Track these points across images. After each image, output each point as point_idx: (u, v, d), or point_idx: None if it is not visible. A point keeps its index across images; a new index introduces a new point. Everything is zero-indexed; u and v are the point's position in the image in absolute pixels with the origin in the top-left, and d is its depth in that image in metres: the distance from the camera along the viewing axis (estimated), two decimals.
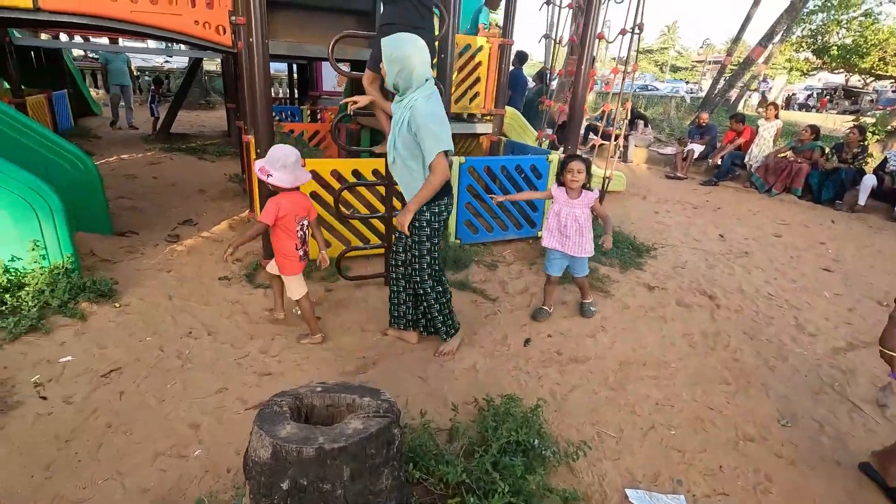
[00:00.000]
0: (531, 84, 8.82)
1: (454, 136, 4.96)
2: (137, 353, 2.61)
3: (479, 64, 4.78)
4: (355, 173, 3.69)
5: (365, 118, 4.86)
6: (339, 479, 1.26)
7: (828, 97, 24.15)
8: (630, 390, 2.57)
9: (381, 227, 3.66)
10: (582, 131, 6.84)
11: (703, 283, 4.02)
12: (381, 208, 3.79)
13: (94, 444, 1.99)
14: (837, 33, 18.79)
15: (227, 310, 3.11)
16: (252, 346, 2.75)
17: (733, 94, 15.84)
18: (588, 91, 4.37)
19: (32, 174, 2.96)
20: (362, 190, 3.78)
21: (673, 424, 2.34)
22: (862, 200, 6.47)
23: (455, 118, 4.85)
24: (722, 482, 2.03)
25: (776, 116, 7.74)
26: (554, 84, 7.80)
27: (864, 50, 16.91)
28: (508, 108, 5.84)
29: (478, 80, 4.83)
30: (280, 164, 2.49)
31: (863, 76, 20.99)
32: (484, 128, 5.30)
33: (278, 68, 14.33)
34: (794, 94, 26.58)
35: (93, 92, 13.06)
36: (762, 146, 7.65)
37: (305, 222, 2.68)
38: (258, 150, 3.37)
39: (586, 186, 3.03)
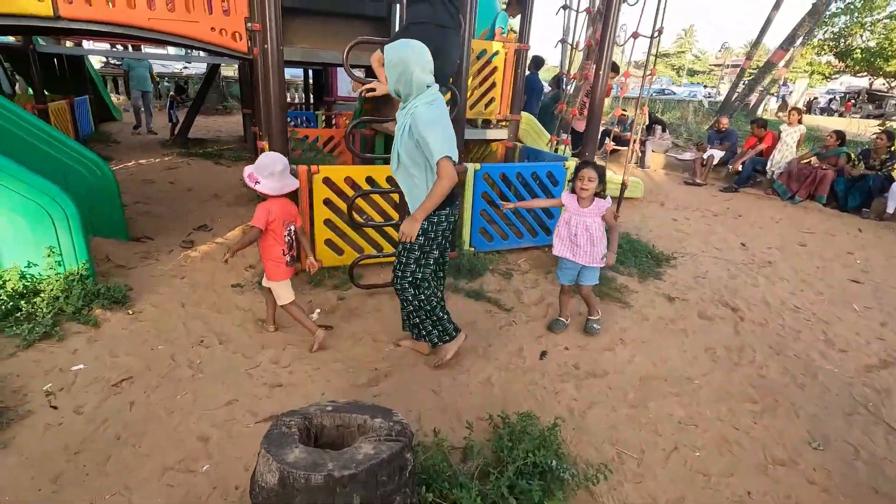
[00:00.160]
0: (547, 89, 8.73)
1: (468, 141, 4.92)
2: (149, 361, 2.59)
3: (495, 69, 4.72)
4: (369, 180, 3.66)
5: (379, 124, 4.82)
6: None
7: (852, 101, 23.58)
8: (651, 408, 2.47)
9: (394, 234, 3.61)
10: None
11: (725, 294, 3.89)
12: (395, 216, 3.75)
13: (102, 457, 1.96)
14: (861, 36, 18.38)
15: (238, 318, 3.09)
16: (263, 355, 2.71)
17: (752, 98, 15.55)
18: (606, 96, 4.27)
19: (49, 181, 2.98)
20: (376, 197, 3.74)
21: (697, 446, 2.23)
22: (890, 208, 6.25)
23: (469, 124, 4.80)
24: None
25: (799, 122, 7.54)
26: (570, 89, 7.71)
27: (890, 53, 16.50)
28: (524, 114, 5.76)
29: (493, 85, 4.77)
30: (268, 172, 2.55)
31: (887, 79, 20.48)
32: (499, 134, 5.24)
33: (294, 73, 14.47)
34: (815, 98, 26.05)
35: (114, 97, 13.32)
36: (785, 152, 7.46)
37: (292, 228, 2.73)
38: None
39: (600, 194, 2.92)
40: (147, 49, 11.11)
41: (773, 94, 20.62)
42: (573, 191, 2.92)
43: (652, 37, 4.11)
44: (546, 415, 2.34)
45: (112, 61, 15.17)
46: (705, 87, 35.70)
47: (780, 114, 19.61)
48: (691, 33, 55.20)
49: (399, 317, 2.83)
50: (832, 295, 4.02)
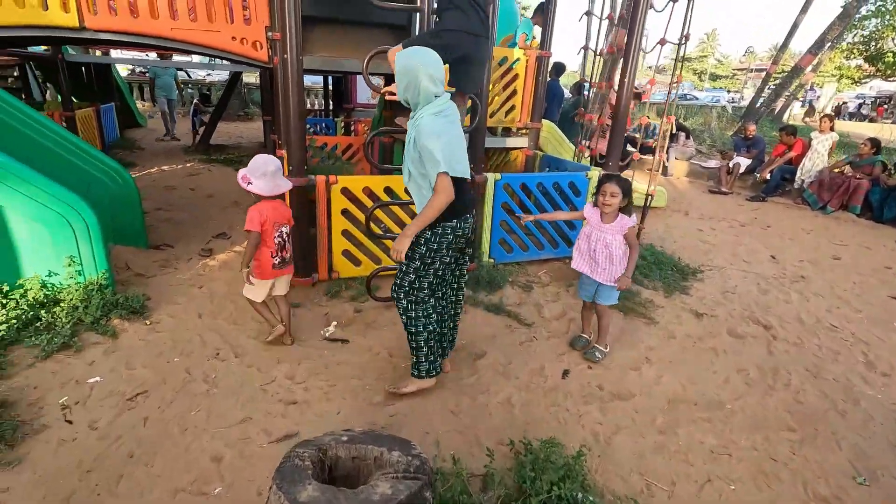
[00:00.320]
0: (567, 95, 8.61)
1: (487, 150, 4.81)
2: (164, 374, 2.56)
3: (516, 76, 4.64)
4: (387, 190, 3.60)
5: (399, 133, 4.78)
6: None
7: (884, 105, 22.86)
8: (681, 434, 2.35)
9: None
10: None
11: (756, 310, 3.72)
12: None
13: (114, 476, 1.92)
14: (893, 39, 17.80)
15: (254, 330, 3.05)
16: (279, 370, 2.66)
17: (778, 103, 15.16)
18: (630, 104, 4.15)
19: (70, 190, 2.99)
20: (394, 207, 3.68)
21: (732, 478, 2.10)
22: None
23: (489, 132, 4.72)
24: None
25: (831, 129, 7.27)
26: (590, 95, 7.58)
27: None
28: (545, 122, 5.67)
29: (514, 92, 4.69)
30: (260, 173, 2.59)
31: None
32: (519, 142, 5.15)
33: (314, 80, 14.61)
34: (844, 103, 25.31)
35: (139, 104, 13.61)
36: (816, 160, 7.20)
37: (285, 230, 2.74)
38: (290, 167, 3.33)
39: (625, 210, 2.77)
40: (173, 57, 11.34)
41: (799, 99, 20.10)
42: (596, 204, 2.81)
43: (679, 43, 3.99)
44: (569, 439, 2.24)
45: (138, 69, 15.52)
46: (728, 91, 35.02)
47: (807, 119, 19.11)
48: (714, 37, 54.35)
49: None
50: (871, 313, 3.81)
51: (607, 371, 2.85)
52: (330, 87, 10.17)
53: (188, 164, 7.88)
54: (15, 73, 9.22)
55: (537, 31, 5.25)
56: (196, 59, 11.03)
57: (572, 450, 2.10)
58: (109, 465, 1.97)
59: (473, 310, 3.41)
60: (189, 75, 16.43)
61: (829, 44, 13.12)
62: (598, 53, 5.36)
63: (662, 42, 4.02)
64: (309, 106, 13.20)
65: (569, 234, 4.27)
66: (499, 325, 3.29)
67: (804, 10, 13.63)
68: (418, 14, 3.26)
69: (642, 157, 5.00)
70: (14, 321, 2.72)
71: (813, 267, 4.74)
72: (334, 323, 3.17)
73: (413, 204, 3.25)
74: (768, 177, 7.58)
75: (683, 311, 3.65)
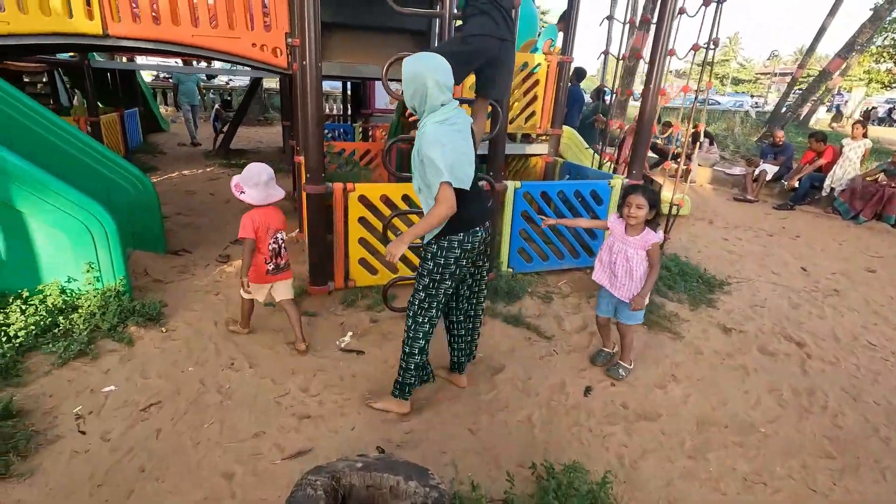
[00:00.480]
0: (588, 101, 8.49)
1: (506, 156, 4.73)
2: (178, 384, 2.53)
3: (537, 82, 4.56)
4: (405, 198, 3.55)
5: None
6: None
7: None
8: (712, 460, 2.22)
9: None
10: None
11: (787, 326, 3.56)
12: None
13: (125, 491, 1.88)
14: None
15: (270, 339, 3.01)
16: (293, 382, 2.61)
17: (804, 108, 14.76)
18: (655, 111, 4.04)
19: (90, 196, 2.99)
20: (413, 216, 3.62)
21: None
22: None
23: (508, 138, 4.64)
24: None
25: (864, 135, 7.01)
26: (609, 99, 7.45)
27: None
28: (565, 128, 5.56)
29: (535, 98, 4.61)
30: (253, 182, 2.63)
31: None
32: (539, 148, 5.06)
33: (333, 85, 14.71)
34: (873, 108, 24.54)
35: (162, 109, 13.86)
36: (847, 168, 6.94)
37: (280, 236, 2.77)
38: (308, 174, 3.30)
39: (652, 223, 2.61)
40: (196, 63, 11.56)
41: (825, 104, 19.57)
42: (622, 215, 2.67)
43: (707, 47, 3.86)
44: (593, 463, 2.13)
45: (162, 75, 15.83)
46: (752, 96, 34.32)
47: (835, 124, 18.59)
48: (736, 41, 53.43)
49: (433, 344, 2.68)
50: None
51: (631, 389, 2.74)
52: (348, 93, 10.20)
53: (208, 169, 7.96)
54: (44, 80, 9.46)
55: (559, 36, 5.17)
56: (218, 65, 11.19)
57: (596, 474, 2.00)
58: (121, 479, 1.93)
59: (492, 321, 3.32)
60: (209, 79, 16.69)
61: (859, 47, 12.72)
62: (619, 58, 5.25)
63: (696, 48, 3.89)
64: (327, 111, 13.29)
65: (590, 244, 4.16)
66: (518, 337, 3.20)
67: (832, 12, 13.27)
68: (438, 20, 3.21)
69: (673, 164, 4.84)
70: (32, 327, 2.73)
71: (847, 280, 4.53)
72: (350, 333, 3.11)
73: None
74: (797, 185, 7.33)
75: (710, 325, 3.51)
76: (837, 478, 2.17)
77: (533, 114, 4.66)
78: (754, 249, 5.32)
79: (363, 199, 3.43)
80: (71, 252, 3.00)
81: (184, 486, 1.92)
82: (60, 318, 2.86)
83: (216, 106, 11.40)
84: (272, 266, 2.75)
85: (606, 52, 5.31)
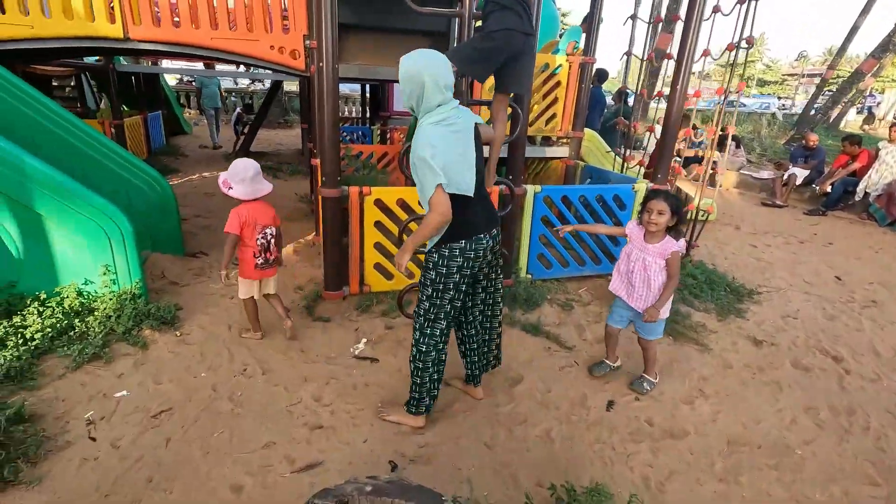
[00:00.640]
0: (610, 103, 8.33)
1: (525, 160, 4.63)
2: (190, 391, 2.49)
3: (558, 83, 4.45)
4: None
5: None
6: None
7: None
8: (745, 483, 2.09)
9: None
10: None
11: (823, 339, 3.38)
12: None
13: (131, 502, 1.84)
14: None
15: (283, 345, 2.96)
16: (305, 390, 2.55)
17: (835, 110, 14.28)
18: (681, 112, 3.89)
19: (108, 199, 2.99)
20: None
21: None
22: None
23: (528, 141, 4.54)
24: None
25: None
26: (633, 103, 7.29)
27: None
28: (587, 131, 5.43)
29: (556, 100, 4.50)
30: (239, 178, 2.66)
31: None
32: (559, 151, 4.94)
33: (352, 88, 14.77)
34: None
35: (185, 112, 14.10)
36: (884, 172, 6.64)
37: (270, 231, 2.78)
38: (324, 177, 3.25)
39: (673, 231, 2.46)
40: (219, 67, 11.72)
41: (856, 106, 18.91)
42: (641, 221, 2.51)
43: (738, 46, 3.71)
44: (617, 485, 2.02)
45: (186, 78, 16.12)
46: (779, 98, 33.45)
47: (866, 126, 17.96)
48: (762, 41, 52.23)
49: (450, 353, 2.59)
50: None
51: (657, 404, 2.61)
52: (367, 95, 10.21)
53: None
54: (72, 84, 9.69)
55: (583, 37, 5.05)
56: (241, 68, 11.33)
57: (620, 498, 1.89)
58: (128, 489, 1.89)
59: (510, 329, 3.22)
60: (234, 84, 16.94)
61: (894, 46, 12.24)
62: (643, 59, 5.10)
63: (731, 47, 3.73)
64: (346, 114, 13.34)
65: (612, 250, 4.03)
66: (537, 347, 3.09)
67: (865, 11, 12.82)
68: (457, 20, 3.13)
69: (704, 169, 4.66)
70: (49, 330, 2.73)
71: (885, 291, 4.30)
72: (364, 340, 3.05)
73: None
74: (829, 189, 7.05)
75: (740, 337, 3.35)
76: None
77: (553, 116, 4.55)
78: (784, 257, 5.10)
79: (379, 203, 3.37)
80: (88, 254, 3.00)
81: (191, 499, 1.87)
82: (76, 320, 2.86)
83: (238, 109, 11.54)
84: (261, 260, 2.78)
85: (629, 53, 5.17)
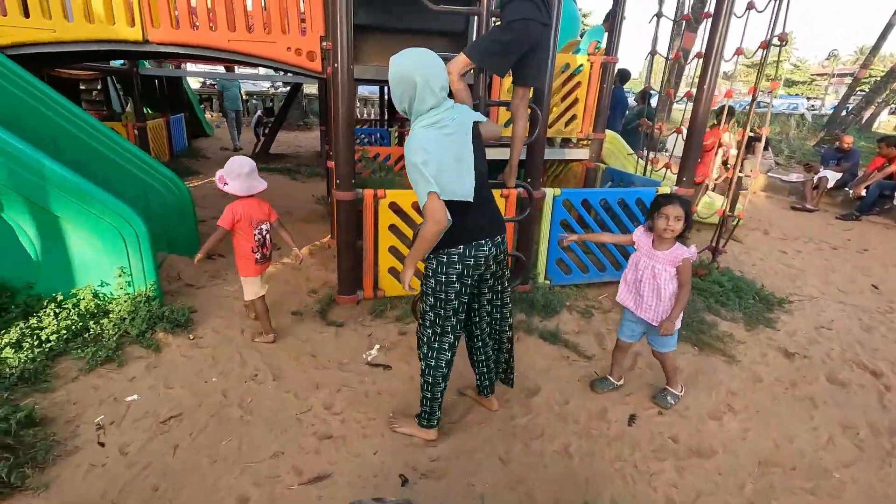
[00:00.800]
0: (632, 103, 8.14)
1: (544, 162, 4.52)
2: (201, 396, 2.46)
3: (578, 84, 4.33)
4: None
5: None
6: None
7: None
8: None
9: None
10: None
11: (860, 351, 3.19)
12: None
13: None
14: None
15: (295, 350, 2.92)
16: (316, 397, 2.50)
17: (868, 111, 13.77)
18: (709, 112, 3.74)
19: (123, 201, 3.00)
20: None
21: None
22: None
23: (546, 142, 4.43)
24: None
25: None
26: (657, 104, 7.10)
27: None
28: (608, 132, 5.29)
29: (576, 101, 4.38)
30: (235, 174, 2.69)
31: None
32: (579, 153, 4.82)
33: (371, 90, 14.81)
34: None
35: (207, 115, 14.32)
36: None
37: (265, 227, 2.83)
38: (338, 180, 3.20)
39: (682, 237, 2.31)
40: (239, 70, 11.88)
41: (890, 106, 18.23)
42: (651, 228, 2.34)
43: (770, 43, 3.54)
44: None
45: (208, 82, 16.40)
46: (808, 98, 32.50)
47: None
48: (791, 41, 50.86)
49: (463, 360, 2.51)
50: None
51: (682, 419, 2.48)
52: (385, 97, 10.20)
53: None
54: (98, 87, 9.91)
55: (605, 37, 4.92)
56: (262, 71, 11.48)
57: None
58: (134, 498, 1.86)
59: (527, 337, 3.13)
60: (254, 86, 17.17)
61: None
62: (668, 58, 4.95)
63: (764, 45, 3.57)
64: (365, 116, 13.36)
65: None
66: (555, 356, 2.98)
67: None
68: (476, 20, 3.05)
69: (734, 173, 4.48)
70: (64, 332, 2.74)
71: None
72: (377, 346, 2.99)
73: None
74: (863, 193, 6.75)
75: (770, 348, 3.19)
76: None
77: (574, 117, 4.43)
78: (816, 263, 4.89)
79: (394, 206, 3.31)
80: (104, 256, 3.01)
81: None
82: (91, 322, 2.86)
83: (258, 112, 11.66)
84: (259, 255, 2.83)
85: (653, 52, 5.02)
